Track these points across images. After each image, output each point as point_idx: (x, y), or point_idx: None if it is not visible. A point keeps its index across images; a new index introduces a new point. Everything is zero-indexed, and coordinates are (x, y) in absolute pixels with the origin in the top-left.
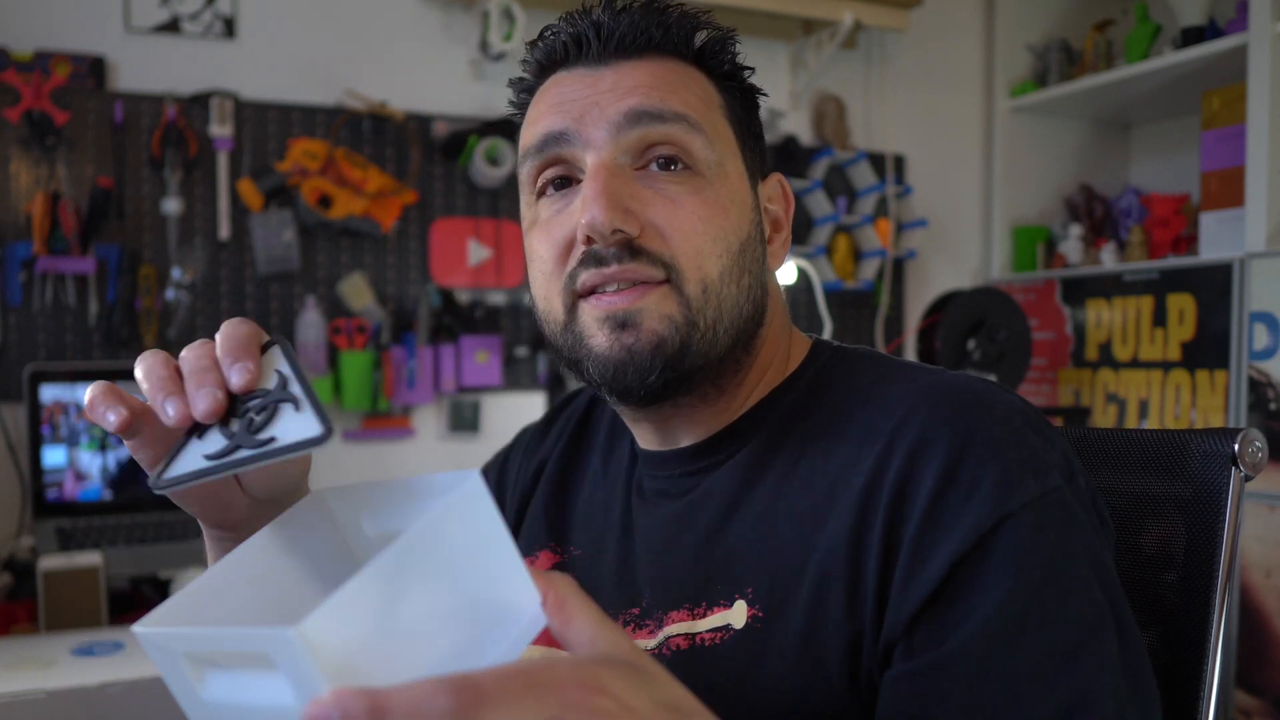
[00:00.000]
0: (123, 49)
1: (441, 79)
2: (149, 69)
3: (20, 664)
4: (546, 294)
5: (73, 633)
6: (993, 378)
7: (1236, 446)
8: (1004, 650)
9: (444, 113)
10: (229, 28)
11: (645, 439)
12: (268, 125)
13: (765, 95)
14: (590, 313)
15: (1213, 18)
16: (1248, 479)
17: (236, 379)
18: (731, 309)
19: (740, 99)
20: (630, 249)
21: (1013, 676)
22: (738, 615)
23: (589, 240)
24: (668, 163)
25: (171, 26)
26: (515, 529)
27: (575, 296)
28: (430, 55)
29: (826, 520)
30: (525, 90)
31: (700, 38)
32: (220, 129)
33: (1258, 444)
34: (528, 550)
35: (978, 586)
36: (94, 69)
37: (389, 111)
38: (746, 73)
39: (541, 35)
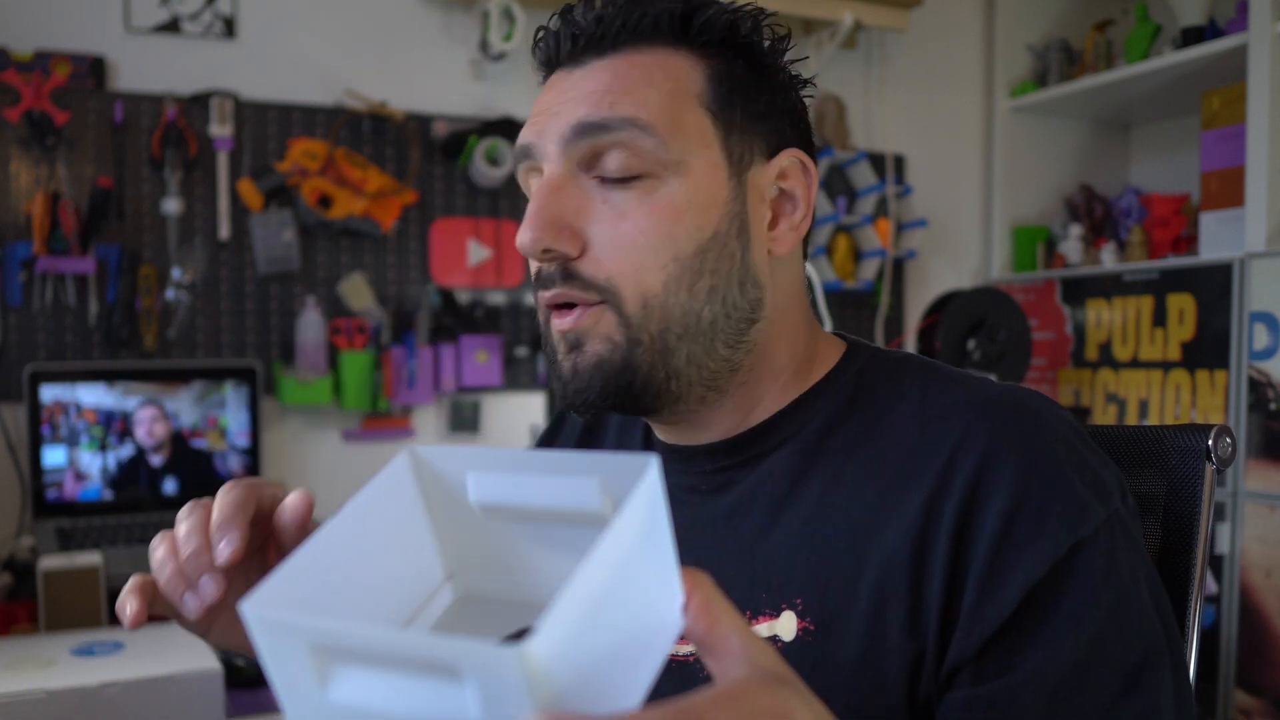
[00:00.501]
0: (123, 49)
1: (441, 79)
2: (149, 69)
3: (20, 664)
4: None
5: (73, 633)
6: (993, 378)
7: (1210, 441)
8: (1074, 676)
9: (444, 113)
10: (229, 28)
11: (665, 435)
12: (268, 125)
13: (783, 61)
14: (554, 330)
15: (1213, 18)
16: (1219, 471)
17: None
18: (683, 316)
19: (741, 76)
20: (565, 272)
21: (1083, 703)
22: (786, 627)
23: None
24: (618, 169)
25: (171, 26)
26: None
27: (548, 310)
28: (430, 55)
29: (882, 532)
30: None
31: (677, 10)
32: (220, 129)
33: (1228, 439)
34: None
35: (1052, 613)
36: (94, 69)
37: (389, 111)
38: (761, 42)
39: (535, 38)
